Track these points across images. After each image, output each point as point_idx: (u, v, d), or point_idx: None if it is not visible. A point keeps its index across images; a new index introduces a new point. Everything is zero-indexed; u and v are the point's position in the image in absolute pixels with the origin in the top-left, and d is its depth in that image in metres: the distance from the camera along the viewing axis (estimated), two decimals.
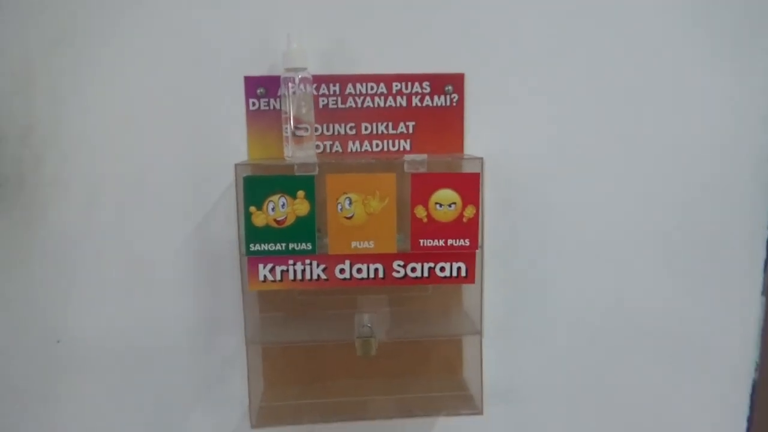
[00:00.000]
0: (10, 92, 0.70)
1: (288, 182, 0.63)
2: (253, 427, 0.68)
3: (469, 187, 0.64)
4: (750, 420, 0.84)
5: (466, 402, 0.71)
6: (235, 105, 0.72)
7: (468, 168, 0.67)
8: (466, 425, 0.77)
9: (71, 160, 0.71)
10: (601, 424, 0.82)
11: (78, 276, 0.73)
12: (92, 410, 0.76)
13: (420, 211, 0.65)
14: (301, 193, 0.63)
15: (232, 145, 0.72)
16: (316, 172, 0.64)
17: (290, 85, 0.67)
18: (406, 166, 0.65)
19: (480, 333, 0.69)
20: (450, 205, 0.65)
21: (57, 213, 0.72)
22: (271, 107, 0.72)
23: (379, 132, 0.74)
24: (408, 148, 0.74)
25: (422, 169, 0.64)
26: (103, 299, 0.74)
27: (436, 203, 0.64)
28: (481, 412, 0.70)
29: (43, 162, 0.71)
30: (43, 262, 0.73)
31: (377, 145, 0.74)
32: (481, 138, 0.74)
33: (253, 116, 0.72)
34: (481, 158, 0.66)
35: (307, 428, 0.76)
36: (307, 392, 0.72)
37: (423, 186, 0.64)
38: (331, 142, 0.73)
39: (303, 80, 0.67)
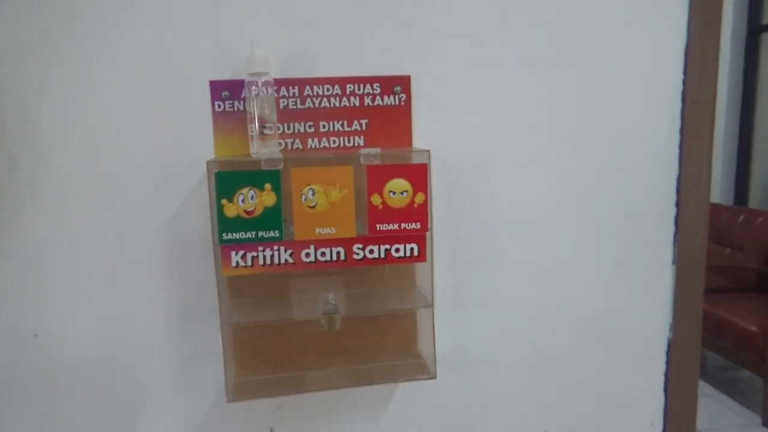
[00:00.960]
0: None
1: (256, 176, 0.70)
2: (229, 401, 0.75)
3: (419, 176, 0.73)
4: (666, 375, 0.96)
5: (421, 368, 0.80)
6: (201, 107, 0.78)
7: (417, 159, 0.75)
8: (422, 389, 0.86)
9: (45, 162, 0.76)
10: (538, 385, 0.92)
11: (55, 270, 0.78)
12: (71, 395, 0.80)
13: (376, 199, 0.73)
14: (268, 186, 0.70)
15: (200, 144, 0.78)
16: (281, 167, 0.71)
17: (254, 88, 0.73)
18: (362, 159, 0.72)
19: (432, 306, 0.77)
20: (402, 193, 0.73)
21: (31, 213, 0.76)
22: (235, 109, 0.78)
23: (335, 129, 0.81)
24: (362, 143, 0.82)
25: (376, 162, 0.72)
26: (79, 291, 0.78)
27: (390, 191, 0.73)
28: (434, 377, 0.79)
29: (17, 164, 0.75)
30: (19, 260, 0.77)
31: (334, 142, 0.81)
32: (426, 132, 0.83)
33: (218, 117, 0.78)
34: (428, 151, 0.75)
35: (278, 400, 0.83)
36: (277, 369, 0.79)
37: (377, 176, 0.72)
38: (292, 140, 0.80)
39: (265, 83, 0.74)
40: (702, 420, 2.77)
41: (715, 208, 3.80)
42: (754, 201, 4.51)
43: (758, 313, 2.73)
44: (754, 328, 2.64)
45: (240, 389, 0.75)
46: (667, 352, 0.95)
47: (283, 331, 0.80)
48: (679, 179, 0.91)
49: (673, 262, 0.93)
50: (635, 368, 0.95)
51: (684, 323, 0.95)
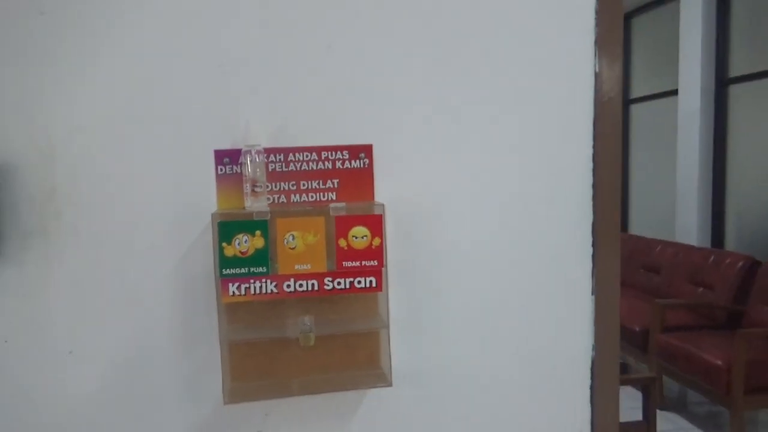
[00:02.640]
0: (37, 164, 0.95)
1: (249, 225, 0.91)
2: (225, 403, 0.94)
3: (376, 224, 0.94)
4: (592, 388, 1.15)
5: (381, 379, 0.99)
6: (207, 170, 0.99)
7: (375, 211, 0.97)
8: (384, 397, 1.05)
9: (83, 214, 0.97)
10: (480, 396, 1.10)
11: (87, 300, 0.98)
12: (95, 401, 0.99)
13: (342, 242, 0.94)
14: (258, 232, 0.91)
15: (206, 199, 0.99)
16: (268, 218, 0.92)
17: (248, 156, 0.95)
18: (331, 211, 0.94)
19: (387, 327, 0.97)
20: (363, 237, 0.94)
21: (72, 254, 0.97)
22: (234, 172, 1.00)
23: (313, 187, 1.03)
24: (334, 198, 1.03)
25: (342, 213, 0.94)
26: (106, 316, 0.98)
27: (353, 236, 0.94)
28: (390, 385, 0.98)
29: (62, 216, 0.97)
30: (60, 290, 0.97)
31: (312, 197, 1.03)
32: (385, 189, 1.04)
33: (221, 178, 1.00)
34: (383, 204, 0.96)
35: (265, 407, 1.02)
36: (265, 378, 0.98)
37: (343, 225, 0.94)
38: (278, 196, 1.02)
39: (257, 152, 0.96)
40: None
41: (688, 250, 4.01)
42: (730, 243, 4.72)
43: (725, 348, 2.90)
44: (719, 362, 2.80)
45: (234, 394, 0.95)
46: (591, 369, 1.15)
47: (270, 347, 1.00)
48: (593, 225, 1.12)
49: (592, 293, 1.13)
50: (564, 383, 1.14)
51: (604, 344, 1.15)
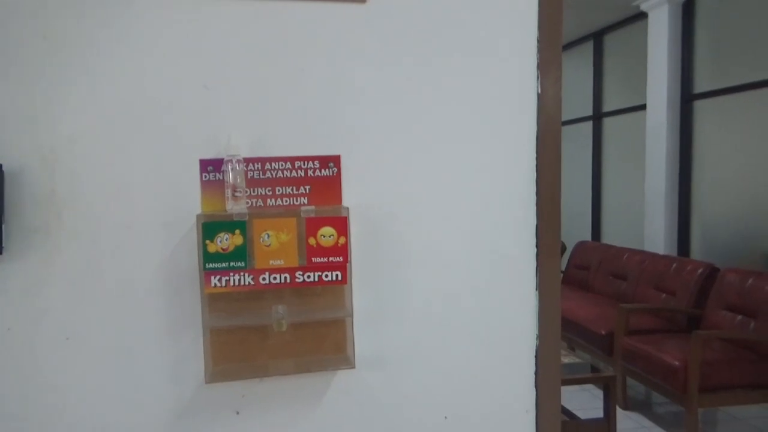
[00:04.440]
0: (40, 168, 1.07)
1: (229, 225, 1.04)
2: (206, 383, 1.06)
3: (341, 225, 1.08)
4: (536, 374, 1.29)
5: (345, 362, 1.12)
6: (193, 177, 1.12)
7: (341, 213, 1.10)
8: (347, 378, 1.18)
9: (83, 215, 1.09)
10: (437, 380, 1.24)
11: (84, 292, 1.09)
12: (89, 382, 1.11)
13: (312, 240, 1.07)
14: (237, 231, 1.04)
15: (192, 202, 1.12)
16: (246, 219, 1.05)
17: (230, 164, 1.08)
18: (302, 213, 1.07)
19: (351, 316, 1.10)
20: (330, 236, 1.07)
21: (71, 252, 1.09)
22: (217, 179, 1.13)
23: (287, 193, 1.16)
24: (306, 202, 1.16)
25: (312, 215, 1.07)
26: (101, 307, 1.10)
27: (321, 235, 1.07)
28: (353, 367, 1.11)
29: (61, 217, 1.08)
30: (59, 284, 1.09)
31: (286, 201, 1.16)
32: (353, 194, 1.18)
33: (205, 184, 1.12)
34: (348, 207, 1.10)
35: (242, 388, 1.14)
36: (243, 361, 1.11)
37: (313, 225, 1.07)
38: (256, 200, 1.14)
39: (238, 161, 1.09)
40: None
41: (652, 257, 4.20)
42: (695, 252, 4.93)
43: (683, 350, 3.07)
44: (676, 363, 2.97)
45: (215, 375, 1.07)
46: (536, 356, 1.29)
47: (247, 334, 1.12)
48: (537, 228, 1.26)
49: (536, 288, 1.27)
50: (513, 369, 1.28)
51: (547, 335, 1.29)
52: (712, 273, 3.59)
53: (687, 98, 4.96)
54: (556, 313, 1.30)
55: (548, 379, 1.29)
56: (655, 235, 5.04)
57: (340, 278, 1.08)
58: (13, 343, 1.08)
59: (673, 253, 4.95)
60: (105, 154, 1.09)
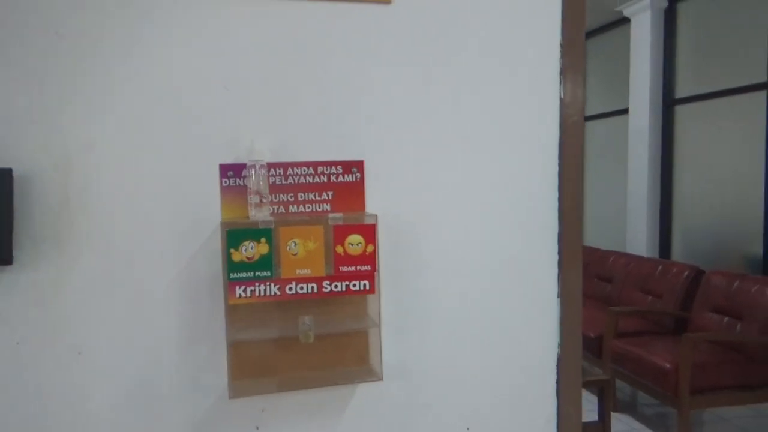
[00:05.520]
0: (53, 175, 1.01)
1: (255, 233, 1.00)
2: (230, 398, 1.02)
3: (369, 232, 1.04)
4: (558, 382, 1.27)
5: (371, 374, 1.09)
6: (212, 183, 1.08)
7: (368, 221, 1.07)
8: (373, 391, 1.14)
9: (95, 223, 1.03)
10: (459, 390, 1.21)
11: (97, 303, 1.04)
12: (102, 399, 1.05)
13: (339, 249, 1.03)
14: (263, 240, 1.00)
15: (211, 209, 1.08)
16: (272, 226, 1.01)
17: (253, 170, 1.04)
18: (330, 220, 1.04)
19: (379, 326, 1.07)
20: (358, 244, 1.04)
21: (86, 259, 1.03)
22: (237, 184, 1.09)
23: (309, 199, 1.12)
24: (329, 209, 1.13)
25: (340, 222, 1.04)
26: (115, 318, 1.05)
27: (349, 243, 1.04)
28: (381, 378, 1.08)
29: (74, 225, 1.03)
30: (71, 296, 1.03)
31: (308, 207, 1.12)
32: (375, 200, 1.15)
33: (225, 190, 1.08)
34: (376, 215, 1.07)
35: (262, 403, 1.10)
36: (266, 374, 1.07)
37: (340, 233, 1.03)
38: (277, 207, 1.10)
39: (261, 167, 1.05)
40: None
41: (638, 260, 4.26)
42: (677, 254, 5.01)
43: (672, 352, 3.11)
44: (667, 365, 3.00)
45: (238, 389, 1.03)
46: (557, 365, 1.27)
47: (269, 346, 1.08)
48: (559, 235, 1.25)
49: (558, 296, 1.26)
50: (533, 378, 1.26)
51: (569, 343, 1.28)
52: (697, 275, 3.65)
53: (668, 103, 5.04)
54: (577, 320, 1.29)
55: (570, 388, 1.28)
56: (638, 237, 5.10)
57: (368, 287, 1.04)
58: (22, 357, 1.02)
59: (655, 255, 5.03)
60: (121, 160, 1.04)
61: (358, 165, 1.14)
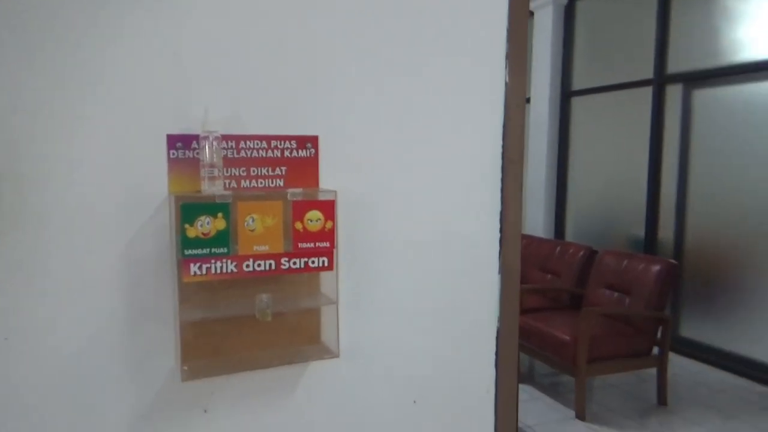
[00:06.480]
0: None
1: (211, 207, 0.95)
2: (183, 380, 0.97)
3: (329, 209, 1.03)
4: (497, 353, 1.33)
5: (328, 351, 1.08)
6: (159, 154, 1.01)
7: (327, 197, 1.05)
8: (319, 366, 1.14)
9: (24, 195, 0.93)
10: (401, 362, 1.24)
11: (26, 283, 0.94)
12: (34, 388, 0.96)
13: (298, 225, 1.01)
14: (220, 215, 0.95)
15: (157, 182, 1.01)
16: (230, 201, 0.96)
17: (207, 141, 0.99)
18: (289, 195, 1.01)
19: (336, 303, 1.06)
20: (317, 221, 1.02)
21: (12, 235, 0.93)
22: (186, 156, 1.02)
23: (262, 174, 1.08)
24: (282, 184, 1.09)
25: (299, 198, 1.01)
26: (48, 300, 0.96)
27: (308, 219, 1.01)
28: (338, 356, 1.07)
29: (2, 197, 0.92)
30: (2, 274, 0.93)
31: (261, 183, 1.08)
32: (329, 177, 1.13)
33: (172, 162, 1.02)
34: (335, 191, 1.05)
35: (211, 386, 1.06)
36: (217, 355, 1.02)
37: (300, 209, 1.01)
38: (229, 181, 1.06)
39: (215, 139, 0.99)
40: (529, 417, 3.31)
41: (538, 241, 4.53)
42: (569, 235, 5.39)
43: (571, 326, 3.35)
44: (567, 338, 3.23)
45: (190, 372, 0.98)
46: (497, 338, 1.33)
47: (221, 326, 1.04)
48: (501, 214, 1.30)
49: (498, 272, 1.31)
50: (475, 350, 1.31)
51: (507, 317, 1.34)
52: (591, 255, 3.95)
53: (566, 94, 5.36)
54: (515, 295, 1.35)
55: (507, 359, 1.35)
56: (536, 220, 5.42)
57: (326, 264, 1.03)
58: None
59: (551, 236, 5.37)
60: (56, 125, 0.95)
61: (313, 140, 1.11)
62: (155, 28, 0.99)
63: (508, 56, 1.28)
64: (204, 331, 1.02)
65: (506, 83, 1.28)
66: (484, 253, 1.30)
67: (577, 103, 5.32)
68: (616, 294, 3.57)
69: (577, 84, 5.29)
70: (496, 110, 1.28)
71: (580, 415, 3.18)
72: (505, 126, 1.29)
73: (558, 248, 4.21)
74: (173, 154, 1.01)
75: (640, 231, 4.60)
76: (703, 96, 4.18)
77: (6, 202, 0.93)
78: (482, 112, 1.26)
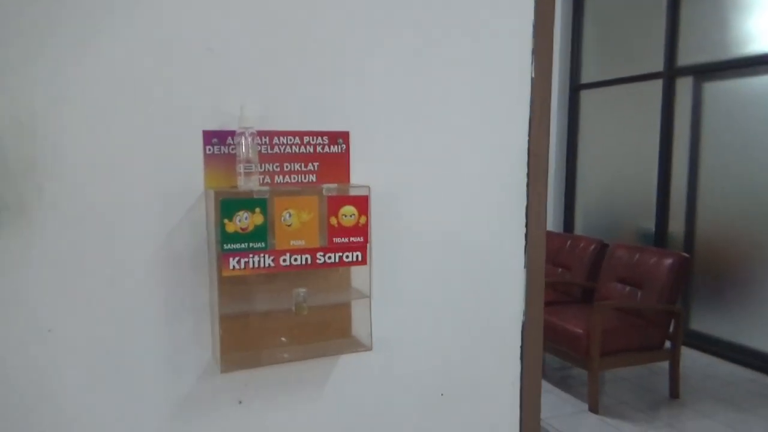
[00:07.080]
0: (16, 136, 0.92)
1: (250, 202, 0.96)
2: (222, 372, 0.99)
3: (362, 204, 1.04)
4: (522, 348, 1.35)
5: (360, 345, 1.09)
6: (195, 150, 1.02)
7: (360, 192, 1.06)
8: (350, 360, 1.15)
9: (66, 190, 0.95)
10: (427, 356, 1.25)
11: (69, 277, 0.96)
12: (76, 378, 0.98)
13: (333, 220, 1.02)
14: (258, 210, 0.97)
15: (193, 177, 1.02)
16: (267, 196, 0.98)
17: (243, 137, 1.00)
18: (324, 191, 1.02)
19: (369, 297, 1.08)
20: (351, 216, 1.03)
21: (53, 230, 0.95)
22: (221, 152, 1.04)
23: (295, 169, 1.09)
24: (314, 179, 1.11)
25: (334, 193, 1.02)
26: (89, 293, 0.97)
27: (343, 215, 1.03)
28: (371, 349, 1.09)
29: (42, 191, 0.94)
30: (40, 268, 0.95)
31: (294, 178, 1.09)
32: (360, 172, 1.14)
33: (209, 158, 1.03)
34: (368, 186, 1.06)
35: (245, 377, 1.08)
36: (254, 348, 1.04)
37: (334, 204, 1.02)
38: (263, 176, 1.07)
39: (251, 134, 1.01)
40: (543, 410, 3.32)
41: (549, 235, 4.53)
42: (578, 228, 5.39)
43: (583, 319, 3.36)
44: (580, 331, 3.25)
45: (229, 363, 0.99)
46: (522, 332, 1.34)
47: (256, 320, 1.05)
48: (527, 208, 1.31)
49: (524, 267, 1.33)
50: (501, 343, 1.32)
51: (532, 310, 1.35)
52: (602, 248, 3.95)
53: (575, 87, 5.36)
54: (540, 290, 1.36)
55: (532, 353, 1.36)
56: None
57: (360, 259, 1.04)
58: None
59: (560, 229, 5.38)
60: (94, 120, 0.96)
61: (344, 136, 1.12)
62: (191, 26, 1.00)
63: (534, 52, 1.28)
64: (240, 325, 1.03)
65: (532, 78, 1.29)
66: (509, 247, 1.31)
67: (585, 96, 5.31)
68: (627, 287, 3.58)
69: (586, 77, 5.28)
70: (522, 105, 1.28)
71: (593, 408, 3.20)
72: (530, 121, 1.29)
73: (569, 242, 4.22)
74: (209, 149, 1.03)
75: (650, 224, 4.60)
76: (714, 89, 4.17)
77: (48, 196, 0.94)
78: (509, 108, 1.27)
